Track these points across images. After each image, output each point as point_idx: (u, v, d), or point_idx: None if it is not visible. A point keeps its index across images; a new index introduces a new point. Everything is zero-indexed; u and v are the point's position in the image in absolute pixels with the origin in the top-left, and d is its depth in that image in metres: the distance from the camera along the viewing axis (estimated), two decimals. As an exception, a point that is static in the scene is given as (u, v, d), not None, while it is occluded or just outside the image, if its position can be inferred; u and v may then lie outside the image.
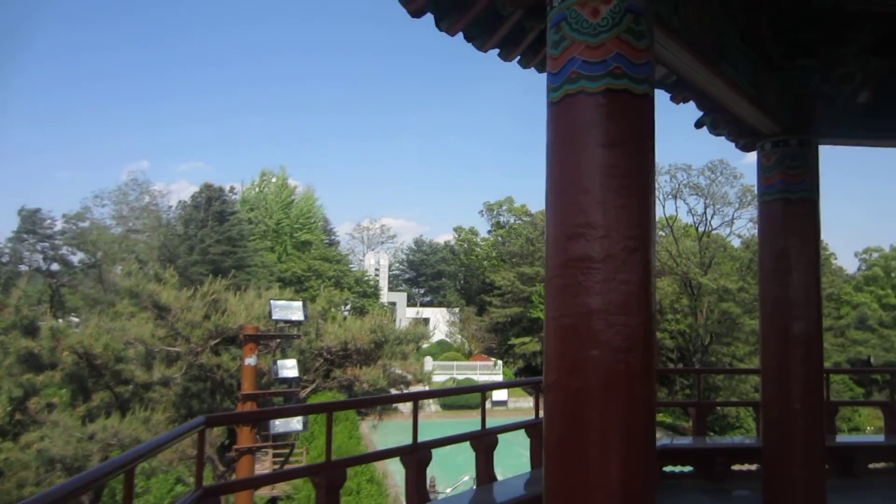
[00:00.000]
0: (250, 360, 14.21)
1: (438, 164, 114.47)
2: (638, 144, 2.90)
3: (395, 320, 69.19)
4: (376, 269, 68.30)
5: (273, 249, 52.72)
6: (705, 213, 44.49)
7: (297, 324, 15.39)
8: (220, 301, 17.85)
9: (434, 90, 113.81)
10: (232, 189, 41.91)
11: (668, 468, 7.21)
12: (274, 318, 14.80)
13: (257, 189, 61.68)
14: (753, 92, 4.73)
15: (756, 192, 5.85)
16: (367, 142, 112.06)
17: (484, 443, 5.82)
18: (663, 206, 59.66)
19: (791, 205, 5.48)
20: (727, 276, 40.75)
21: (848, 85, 5.27)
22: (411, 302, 77.28)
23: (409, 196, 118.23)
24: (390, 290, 72.52)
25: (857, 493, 6.85)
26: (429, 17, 4.31)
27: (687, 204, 54.85)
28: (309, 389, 18.46)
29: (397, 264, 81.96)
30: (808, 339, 5.45)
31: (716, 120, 6.00)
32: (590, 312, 2.77)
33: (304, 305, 15.30)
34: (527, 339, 53.06)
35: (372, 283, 58.05)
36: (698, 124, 6.38)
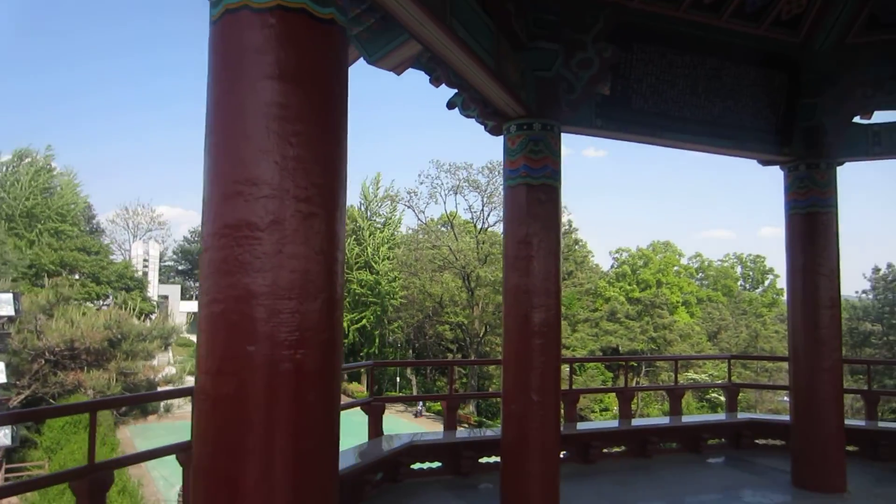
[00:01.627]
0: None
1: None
2: (320, 81, 2.27)
3: (166, 314, 63.60)
4: (145, 260, 62.02)
5: (20, 236, 45.27)
6: (483, 210, 46.94)
7: (10, 320, 12.79)
8: None
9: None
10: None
11: (416, 465, 6.88)
12: (-26, 313, 12.09)
13: (6, 169, 52.39)
14: (492, 63, 4.43)
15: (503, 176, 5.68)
16: (147, 126, 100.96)
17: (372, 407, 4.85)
18: (444, 203, 62.01)
19: (533, 190, 5.36)
20: (502, 269, 43.23)
21: (587, 71, 5.27)
22: (186, 295, 71.54)
23: (190, 182, 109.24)
24: (162, 282, 66.40)
25: (591, 478, 7.10)
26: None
27: (466, 200, 57.57)
28: (24, 396, 15.55)
29: (171, 255, 75.33)
30: (547, 329, 5.37)
31: (466, 100, 5.69)
32: (248, 296, 2.09)
33: (16, 298, 12.75)
34: (310, 334, 51.56)
35: (138, 275, 52.34)
36: (450, 104, 6.05)
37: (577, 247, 49.19)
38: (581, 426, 8.08)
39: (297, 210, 2.13)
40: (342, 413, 7.01)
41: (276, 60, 2.15)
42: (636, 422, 8.45)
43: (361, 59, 5.09)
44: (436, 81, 5.66)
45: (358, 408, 7.25)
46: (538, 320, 5.33)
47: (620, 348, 47.03)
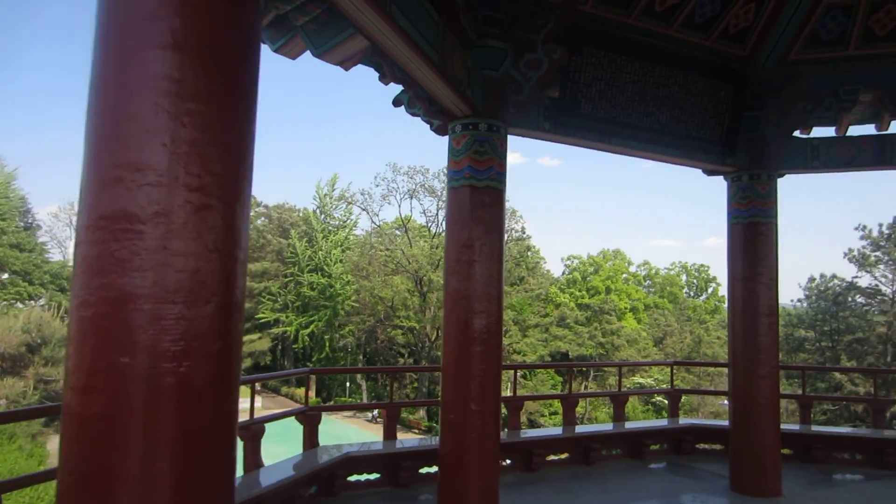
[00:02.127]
0: None
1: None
2: (225, 55, 2.01)
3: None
4: (85, 259, 59.58)
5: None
6: (437, 214, 46.74)
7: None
8: None
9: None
10: None
11: (353, 478, 6.60)
12: None
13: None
14: (436, 57, 4.22)
15: (446, 176, 5.47)
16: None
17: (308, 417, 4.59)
18: (399, 206, 61.77)
19: (477, 192, 5.17)
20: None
21: (535, 72, 5.12)
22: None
23: None
24: (103, 282, 63.93)
25: (533, 486, 6.95)
26: None
27: (422, 204, 57.38)
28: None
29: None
30: (488, 335, 5.18)
31: (411, 97, 5.48)
32: (123, 299, 1.81)
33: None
34: (253, 338, 50.56)
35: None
36: (396, 102, 5.83)
37: (529, 253, 49.50)
38: (524, 434, 7.92)
39: (188, 201, 1.86)
40: (286, 420, 6.66)
41: (171, 28, 1.88)
42: (580, 428, 8.36)
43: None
44: (384, 79, 5.42)
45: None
46: (479, 326, 5.14)
47: (570, 353, 47.47)
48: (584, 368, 46.90)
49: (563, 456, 7.95)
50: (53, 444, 29.99)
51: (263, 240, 54.03)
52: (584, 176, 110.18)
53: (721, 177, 7.27)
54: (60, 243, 64.24)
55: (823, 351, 39.67)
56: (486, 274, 5.17)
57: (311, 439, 6.76)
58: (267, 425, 6.31)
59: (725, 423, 7.92)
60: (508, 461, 7.48)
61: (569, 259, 61.70)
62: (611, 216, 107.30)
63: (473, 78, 5.06)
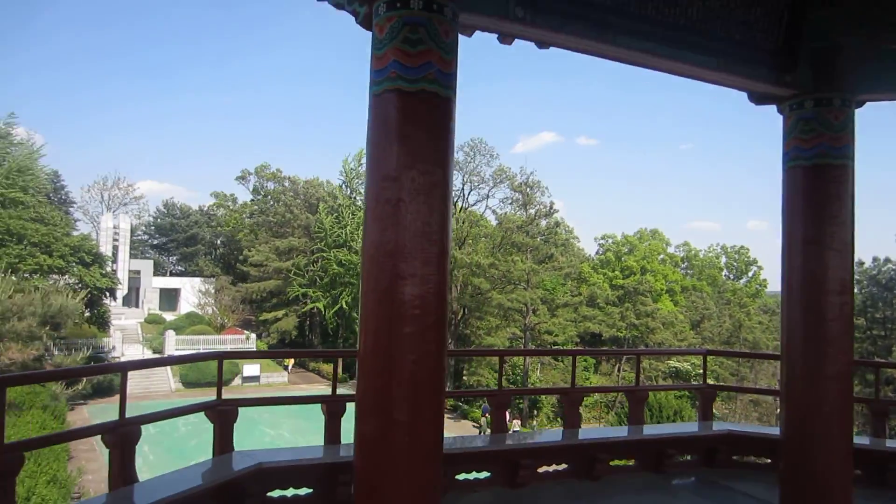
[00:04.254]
0: None
1: (220, 125, 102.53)
2: None
3: (138, 290, 61.03)
4: (116, 233, 59.60)
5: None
6: (463, 188, 44.93)
7: None
8: None
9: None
10: None
11: (277, 493, 5.06)
12: None
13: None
14: None
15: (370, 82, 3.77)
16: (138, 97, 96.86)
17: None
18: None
19: (408, 99, 3.49)
20: (480, 252, 41.73)
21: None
22: (160, 270, 69.39)
23: (181, 158, 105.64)
24: (134, 257, 64.13)
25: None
26: None
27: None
28: None
29: (143, 228, 73.01)
30: (422, 310, 3.54)
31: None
32: None
33: None
34: (280, 314, 49.77)
35: (103, 250, 50.05)
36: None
37: (558, 229, 47.26)
38: (510, 441, 6.28)
39: None
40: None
41: None
42: (584, 433, 6.66)
43: None
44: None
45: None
46: (409, 297, 3.48)
47: (603, 335, 45.35)
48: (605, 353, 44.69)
49: (561, 467, 6.29)
50: (80, 414, 30.39)
51: (290, 214, 52.94)
52: (623, 156, 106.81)
53: (774, 106, 5.41)
54: (93, 219, 64.64)
55: (875, 339, 37.21)
56: (420, 221, 3.49)
57: (222, 442, 5.24)
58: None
59: (774, 430, 6.12)
60: (487, 473, 5.88)
61: (603, 238, 59.41)
62: (649, 197, 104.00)
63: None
